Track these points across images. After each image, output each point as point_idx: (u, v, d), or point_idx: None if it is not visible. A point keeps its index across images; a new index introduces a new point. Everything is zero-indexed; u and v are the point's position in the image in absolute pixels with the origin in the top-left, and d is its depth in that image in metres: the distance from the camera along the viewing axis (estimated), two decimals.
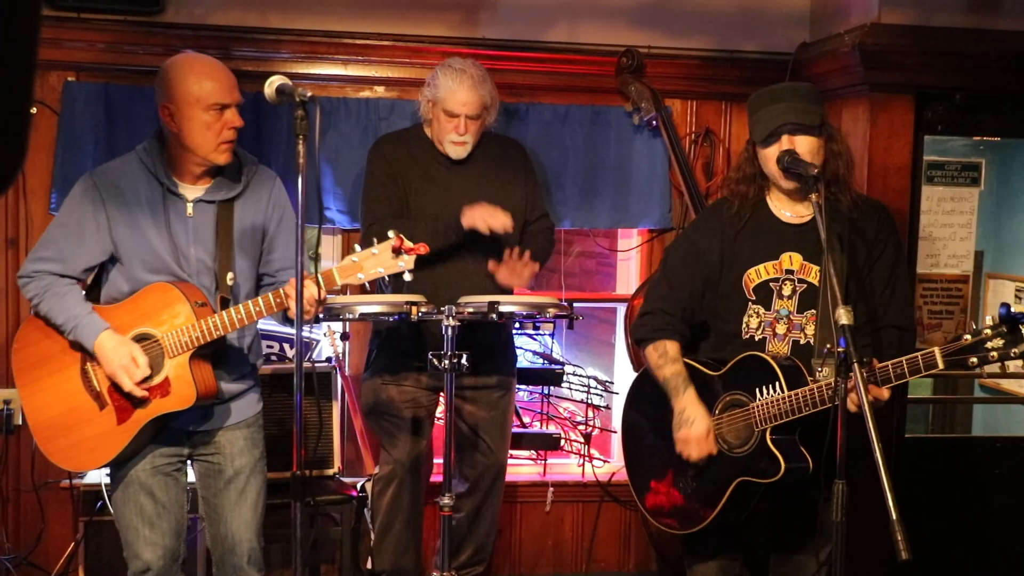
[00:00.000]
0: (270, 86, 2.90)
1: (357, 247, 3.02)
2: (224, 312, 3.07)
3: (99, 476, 4.10)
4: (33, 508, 4.39)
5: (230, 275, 3.18)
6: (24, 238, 4.32)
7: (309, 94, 2.83)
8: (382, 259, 2.98)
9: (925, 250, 4.46)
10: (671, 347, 3.27)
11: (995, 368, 2.81)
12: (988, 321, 2.76)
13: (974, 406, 5.29)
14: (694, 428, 3.19)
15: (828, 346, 2.85)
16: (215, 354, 3.18)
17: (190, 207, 3.16)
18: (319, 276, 3.00)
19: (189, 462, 3.34)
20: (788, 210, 3.23)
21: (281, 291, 3.04)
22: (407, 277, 3.02)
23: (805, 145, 3.08)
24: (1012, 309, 2.73)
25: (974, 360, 2.76)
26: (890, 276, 3.21)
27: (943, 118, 4.31)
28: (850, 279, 3.14)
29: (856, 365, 2.67)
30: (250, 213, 3.23)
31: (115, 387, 3.11)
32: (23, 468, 4.39)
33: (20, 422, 4.35)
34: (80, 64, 4.27)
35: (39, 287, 3.15)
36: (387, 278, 4.07)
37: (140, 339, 3.11)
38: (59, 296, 3.13)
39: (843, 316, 2.71)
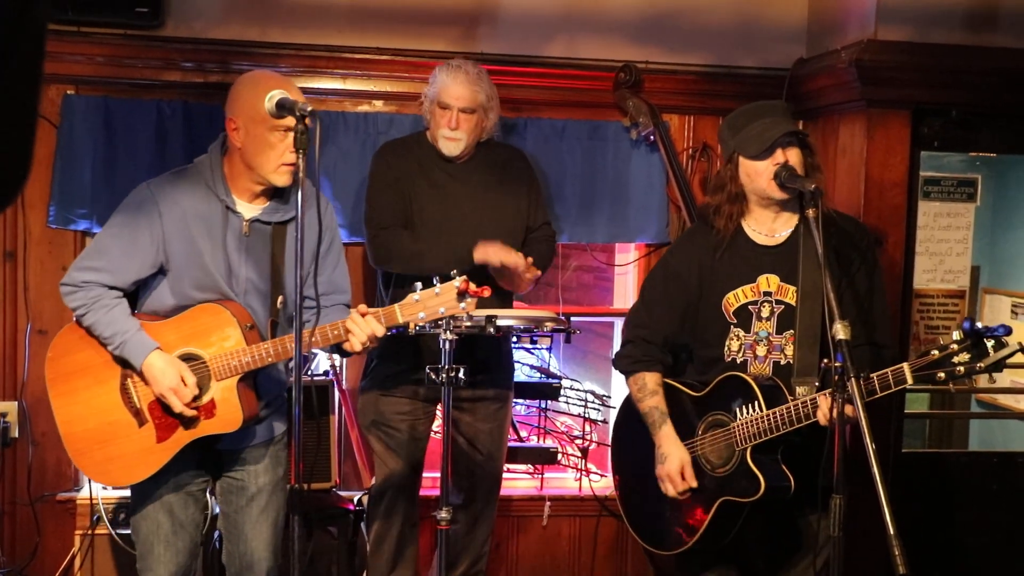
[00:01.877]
0: (270, 100, 2.89)
1: (418, 285, 2.97)
2: (278, 340, 3.04)
3: (96, 490, 4.11)
4: (29, 522, 4.38)
5: (280, 298, 3.14)
6: (22, 251, 4.32)
7: (309, 108, 2.81)
8: (444, 299, 2.95)
9: (922, 265, 4.47)
10: (650, 379, 3.30)
11: (971, 383, 2.85)
12: (955, 336, 2.79)
13: (971, 421, 5.30)
14: (666, 465, 3.22)
15: (825, 361, 2.86)
16: (256, 376, 3.15)
17: (246, 226, 3.12)
18: (381, 313, 2.98)
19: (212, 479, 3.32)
20: (764, 231, 3.25)
21: (340, 325, 2.99)
22: (465, 318, 3.02)
23: (795, 157, 3.13)
24: (976, 323, 2.79)
25: (942, 375, 2.80)
26: (867, 292, 3.23)
27: (939, 134, 4.32)
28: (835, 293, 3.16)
29: (853, 380, 2.67)
30: (306, 235, 3.20)
31: (157, 405, 3.07)
32: (19, 481, 4.38)
33: (16, 435, 4.34)
34: (79, 77, 4.27)
35: (87, 297, 3.08)
36: (383, 290, 4.09)
37: (186, 359, 3.07)
38: (107, 309, 3.07)
39: (840, 331, 2.72)
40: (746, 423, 3.08)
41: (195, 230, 3.09)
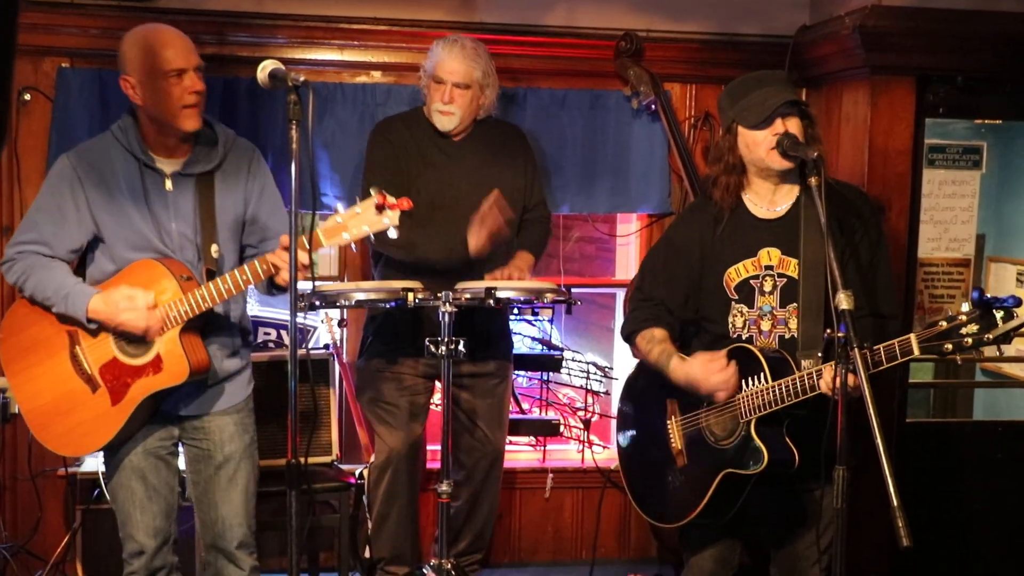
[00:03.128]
0: (263, 71, 2.88)
1: (340, 207, 2.99)
2: (211, 283, 3.06)
3: (96, 464, 4.09)
4: (30, 497, 4.38)
5: (214, 247, 3.17)
6: (18, 225, 4.29)
7: (302, 78, 2.81)
8: (366, 217, 2.95)
9: (926, 234, 4.43)
10: (657, 332, 3.27)
11: (982, 353, 2.80)
12: (963, 307, 2.74)
13: (975, 390, 5.27)
14: (692, 375, 3.10)
15: (828, 331, 2.82)
16: (204, 331, 3.17)
17: (169, 182, 3.15)
18: (305, 239, 2.95)
19: (180, 446, 3.33)
20: (764, 204, 3.20)
21: (267, 257, 3.02)
22: (392, 234, 2.98)
23: (795, 127, 3.08)
24: (985, 294, 2.72)
25: (949, 346, 2.74)
26: (871, 261, 3.19)
27: (944, 101, 4.27)
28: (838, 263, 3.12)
29: (856, 350, 2.64)
30: (230, 185, 3.22)
31: (107, 368, 3.10)
32: (20, 456, 4.38)
33: (16, 411, 4.31)
34: (74, 50, 4.24)
35: (24, 265, 3.13)
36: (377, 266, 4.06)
37: None
38: (47, 269, 3.11)
39: (843, 301, 2.69)
40: (751, 395, 3.04)
41: (118, 193, 3.12)
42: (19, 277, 3.15)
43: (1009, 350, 4.95)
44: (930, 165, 4.44)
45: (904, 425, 4.39)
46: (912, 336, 2.78)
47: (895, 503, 2.51)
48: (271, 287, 3.19)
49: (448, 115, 3.90)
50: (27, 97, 4.23)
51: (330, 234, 2.98)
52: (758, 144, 3.09)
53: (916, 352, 2.77)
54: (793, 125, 3.07)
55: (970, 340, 2.72)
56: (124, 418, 3.11)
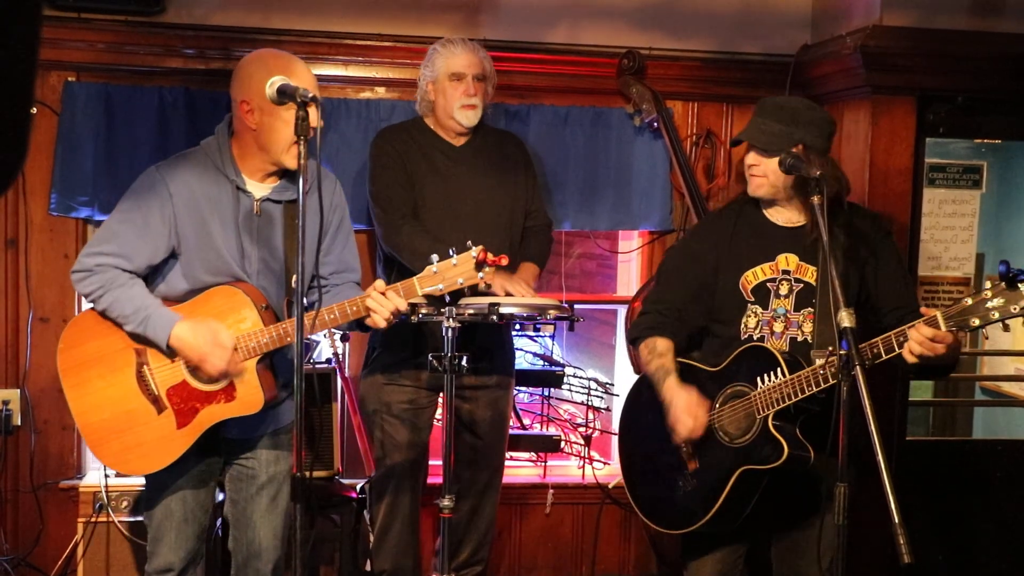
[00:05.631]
0: (271, 86, 2.88)
1: (435, 257, 2.95)
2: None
3: (98, 477, 4.10)
4: (32, 509, 4.38)
5: (294, 277, 3.09)
6: (23, 239, 4.31)
7: (311, 94, 2.80)
8: (462, 270, 2.93)
9: (926, 253, 4.46)
10: (660, 343, 3.28)
11: (998, 332, 2.80)
12: (987, 284, 2.74)
13: (975, 409, 5.28)
14: (674, 404, 3.16)
15: (831, 348, 2.84)
16: (272, 357, 3.12)
17: (256, 206, 3.10)
18: (400, 288, 2.96)
19: (224, 467, 3.29)
20: (781, 217, 3.26)
21: (358, 301, 2.97)
22: (482, 287, 3.00)
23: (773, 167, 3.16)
24: (1012, 266, 2.70)
25: (976, 321, 2.74)
26: (898, 267, 3.27)
27: (945, 120, 4.30)
28: (849, 281, 3.15)
29: (859, 368, 2.66)
30: (312, 214, 3.17)
31: (176, 390, 3.04)
32: (22, 469, 4.38)
33: (19, 423, 4.34)
34: (80, 64, 4.26)
35: (102, 279, 3.01)
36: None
37: None
38: (126, 287, 3.01)
39: (845, 319, 2.71)
40: (768, 390, 3.06)
41: (206, 212, 3.05)
42: (95, 290, 3.03)
43: (1008, 368, 4.99)
44: (930, 184, 4.47)
45: (904, 443, 4.40)
46: (938, 313, 2.80)
47: (896, 520, 2.52)
48: (358, 325, 3.11)
49: (473, 108, 3.93)
50: (33, 111, 4.24)
51: (426, 283, 2.96)
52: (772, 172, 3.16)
53: (943, 328, 2.78)
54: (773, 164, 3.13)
55: (996, 314, 2.71)
56: (189, 443, 3.05)
